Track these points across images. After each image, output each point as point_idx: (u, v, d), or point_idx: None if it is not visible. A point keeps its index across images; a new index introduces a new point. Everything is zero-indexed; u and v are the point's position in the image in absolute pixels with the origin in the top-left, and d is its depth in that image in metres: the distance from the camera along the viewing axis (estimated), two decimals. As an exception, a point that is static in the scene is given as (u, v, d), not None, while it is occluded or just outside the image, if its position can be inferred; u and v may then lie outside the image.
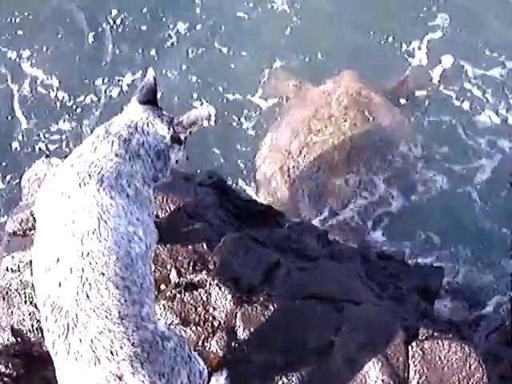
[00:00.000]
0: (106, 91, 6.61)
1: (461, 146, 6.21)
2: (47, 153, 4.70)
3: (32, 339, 3.61)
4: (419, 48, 6.90)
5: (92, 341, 2.60)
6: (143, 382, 2.62)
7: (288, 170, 6.10)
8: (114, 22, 7.09)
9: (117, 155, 2.98)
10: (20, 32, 6.95)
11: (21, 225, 3.95)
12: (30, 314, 3.62)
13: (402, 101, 6.56)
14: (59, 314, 2.64)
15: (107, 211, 2.82)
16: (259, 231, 3.88)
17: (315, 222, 5.60)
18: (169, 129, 3.17)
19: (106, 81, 6.70)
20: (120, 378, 2.59)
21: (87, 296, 2.64)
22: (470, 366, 3.26)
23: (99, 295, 2.65)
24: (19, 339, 3.62)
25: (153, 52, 6.89)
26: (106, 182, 2.89)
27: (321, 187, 5.92)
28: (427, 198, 5.88)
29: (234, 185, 5.69)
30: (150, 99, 3.24)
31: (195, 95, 6.31)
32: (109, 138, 3.03)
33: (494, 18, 6.78)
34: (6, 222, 5.37)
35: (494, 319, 4.67)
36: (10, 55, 6.90)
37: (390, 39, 6.84)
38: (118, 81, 6.76)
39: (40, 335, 3.63)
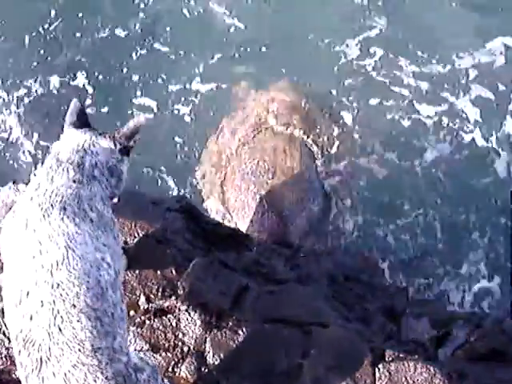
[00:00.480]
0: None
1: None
2: (13, 179, 4.66)
3: (0, 366, 3.58)
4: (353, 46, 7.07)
5: (65, 375, 2.58)
6: None
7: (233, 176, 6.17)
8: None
9: (74, 181, 2.98)
10: None
11: (-16, 252, 3.94)
12: (-2, 342, 3.63)
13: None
14: (32, 347, 2.62)
15: (74, 239, 2.80)
16: (228, 255, 3.92)
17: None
18: (114, 143, 3.18)
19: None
20: None
21: (59, 329, 2.62)
22: (436, 386, 3.35)
23: (71, 328, 2.63)
24: (-14, 366, 3.63)
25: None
26: (68, 210, 2.88)
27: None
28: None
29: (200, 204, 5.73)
30: (82, 122, 3.25)
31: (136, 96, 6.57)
32: (62, 165, 3.02)
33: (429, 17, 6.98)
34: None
35: (460, 336, 4.77)
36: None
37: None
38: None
39: (9, 363, 3.61)
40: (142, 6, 7.28)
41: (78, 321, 2.65)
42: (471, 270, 5.80)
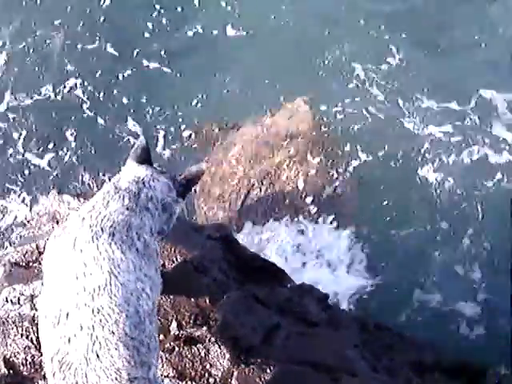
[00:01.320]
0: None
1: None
2: (58, 189, 4.74)
3: (24, 373, 3.61)
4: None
5: None
6: None
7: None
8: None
9: (127, 209, 3.02)
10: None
11: (24, 256, 3.98)
12: (24, 348, 3.63)
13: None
14: (68, 371, 2.64)
15: (118, 266, 2.83)
16: (261, 289, 3.93)
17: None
18: (174, 183, 3.24)
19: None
20: None
21: (97, 355, 2.64)
22: None
23: (109, 355, 2.65)
24: (11, 371, 3.63)
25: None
26: (117, 236, 2.92)
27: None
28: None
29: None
30: (145, 159, 3.31)
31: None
32: (119, 193, 3.07)
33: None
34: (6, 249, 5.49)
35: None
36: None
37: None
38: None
39: (33, 370, 3.65)
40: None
41: (115, 349, 2.67)
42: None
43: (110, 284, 2.77)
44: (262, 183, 6.44)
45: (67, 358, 2.66)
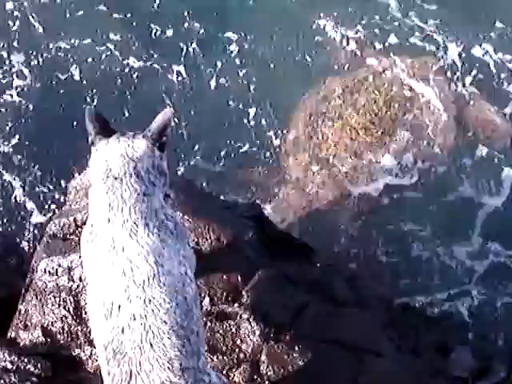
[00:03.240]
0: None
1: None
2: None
3: (61, 341, 3.77)
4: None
5: None
6: None
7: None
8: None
9: (144, 194, 2.98)
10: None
11: (62, 229, 4.10)
12: (61, 318, 3.79)
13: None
14: (122, 360, 2.71)
15: (161, 254, 2.88)
16: (292, 268, 4.03)
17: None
18: (152, 143, 3.11)
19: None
20: None
21: (151, 345, 2.71)
22: (478, 432, 3.45)
23: (162, 345, 2.71)
24: (48, 339, 3.79)
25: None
26: (151, 225, 2.93)
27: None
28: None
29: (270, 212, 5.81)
30: (107, 128, 3.19)
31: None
32: (123, 181, 2.98)
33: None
34: (46, 222, 5.59)
35: (500, 371, 4.82)
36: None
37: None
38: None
39: (69, 339, 3.80)
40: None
41: (168, 338, 2.73)
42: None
43: (158, 274, 2.82)
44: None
45: (121, 347, 2.74)
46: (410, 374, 3.65)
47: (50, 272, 3.89)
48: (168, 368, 2.70)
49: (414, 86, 6.55)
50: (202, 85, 6.74)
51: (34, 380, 3.62)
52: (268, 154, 6.43)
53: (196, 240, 3.86)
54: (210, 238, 3.88)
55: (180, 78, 6.80)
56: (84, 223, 3.97)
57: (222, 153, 6.37)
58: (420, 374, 3.75)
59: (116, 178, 2.99)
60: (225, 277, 3.79)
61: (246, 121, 6.54)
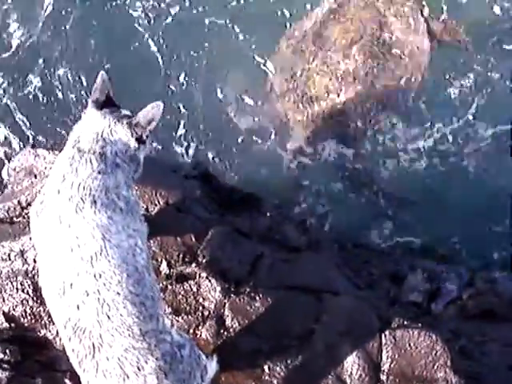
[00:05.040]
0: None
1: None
2: (32, 142, 4.69)
3: (25, 324, 3.78)
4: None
5: (119, 359, 2.79)
6: None
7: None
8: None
9: (99, 172, 3.05)
10: None
11: (8, 213, 4.06)
12: (22, 301, 3.78)
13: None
14: (83, 335, 2.80)
15: (108, 230, 2.94)
16: (243, 221, 4.11)
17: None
18: (131, 133, 3.20)
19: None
20: None
21: (108, 317, 2.80)
22: (436, 352, 3.61)
23: (119, 314, 2.81)
24: (12, 324, 3.79)
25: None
26: (98, 202, 2.99)
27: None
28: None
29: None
30: (105, 101, 3.26)
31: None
32: (85, 156, 3.06)
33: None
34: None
35: (452, 290, 5.08)
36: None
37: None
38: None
39: (33, 321, 3.82)
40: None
41: (124, 307, 2.83)
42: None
43: (106, 248, 2.89)
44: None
45: (79, 323, 2.82)
46: (369, 307, 3.80)
47: (2, 258, 3.87)
48: (129, 335, 2.81)
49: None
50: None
51: (5, 366, 3.63)
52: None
53: (145, 207, 3.88)
54: (159, 202, 3.92)
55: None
56: (29, 204, 4.01)
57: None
58: (378, 305, 3.93)
59: (80, 151, 3.08)
60: (179, 239, 3.84)
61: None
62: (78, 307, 2.82)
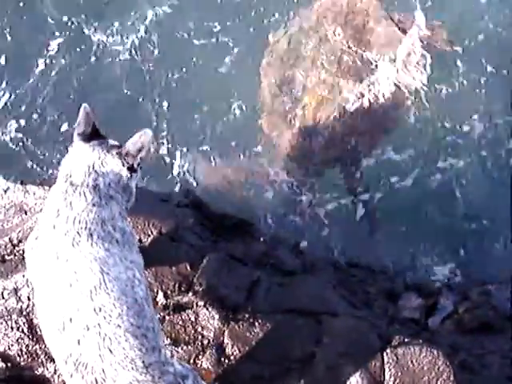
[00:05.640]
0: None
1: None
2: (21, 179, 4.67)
3: (22, 363, 3.72)
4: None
5: None
6: None
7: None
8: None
9: (94, 205, 3.04)
10: None
11: (-1, 251, 4.02)
12: (17, 340, 3.72)
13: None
14: (85, 370, 2.75)
15: (106, 263, 2.91)
16: (236, 247, 4.10)
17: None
18: (123, 163, 3.20)
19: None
20: None
21: (110, 350, 2.76)
22: (439, 367, 3.60)
23: (121, 348, 2.77)
24: (9, 364, 3.73)
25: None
26: (95, 235, 2.97)
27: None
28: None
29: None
30: (91, 132, 3.25)
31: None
32: (78, 189, 3.05)
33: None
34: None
35: (448, 305, 5.08)
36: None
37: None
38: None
39: (30, 359, 3.76)
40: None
41: (126, 340, 2.79)
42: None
43: (104, 281, 2.86)
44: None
45: (81, 358, 2.77)
46: (368, 326, 3.80)
47: (-5, 297, 3.84)
48: (132, 368, 2.77)
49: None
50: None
51: (2, 407, 3.59)
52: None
53: (138, 237, 3.86)
54: (152, 232, 3.90)
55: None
56: (20, 241, 3.98)
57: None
58: (376, 323, 3.92)
59: (72, 185, 3.07)
60: (174, 268, 3.82)
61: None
62: (78, 342, 2.78)
